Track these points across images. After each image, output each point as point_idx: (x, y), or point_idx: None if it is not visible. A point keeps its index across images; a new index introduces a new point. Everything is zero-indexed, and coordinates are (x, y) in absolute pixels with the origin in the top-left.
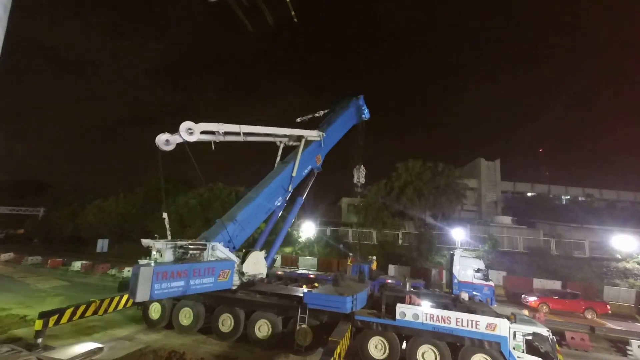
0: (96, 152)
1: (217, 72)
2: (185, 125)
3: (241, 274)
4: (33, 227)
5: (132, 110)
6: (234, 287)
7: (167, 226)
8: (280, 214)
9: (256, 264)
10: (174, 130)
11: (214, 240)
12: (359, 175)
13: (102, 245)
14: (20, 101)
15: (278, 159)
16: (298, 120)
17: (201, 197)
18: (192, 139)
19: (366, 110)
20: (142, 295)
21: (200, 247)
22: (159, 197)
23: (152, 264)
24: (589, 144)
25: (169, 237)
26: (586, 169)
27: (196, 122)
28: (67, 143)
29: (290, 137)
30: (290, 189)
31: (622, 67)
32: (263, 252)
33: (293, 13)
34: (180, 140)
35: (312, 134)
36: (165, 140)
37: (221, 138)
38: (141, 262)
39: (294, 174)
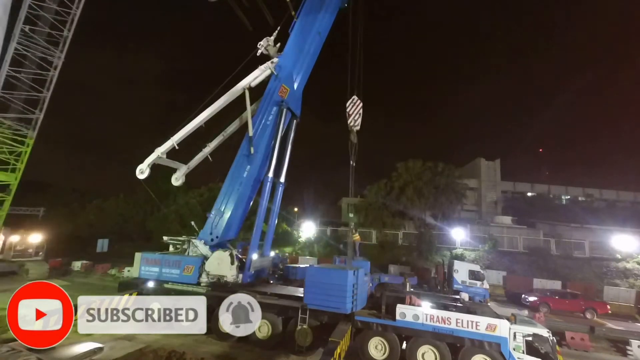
0: (96, 152)
1: (216, 72)
2: (137, 169)
3: (206, 272)
4: (33, 227)
5: (133, 111)
6: (201, 284)
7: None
8: (266, 206)
9: (220, 265)
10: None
11: (201, 234)
12: (354, 113)
13: (102, 245)
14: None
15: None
16: (259, 47)
17: (201, 197)
18: (144, 176)
19: None
20: (135, 273)
21: (177, 242)
22: (158, 197)
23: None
24: (589, 144)
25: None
26: (586, 169)
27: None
28: (68, 143)
29: (229, 100)
30: (253, 150)
31: (622, 66)
32: (227, 252)
33: (293, 13)
34: (148, 171)
35: (250, 79)
36: (139, 172)
37: (165, 161)
38: None
39: (250, 134)
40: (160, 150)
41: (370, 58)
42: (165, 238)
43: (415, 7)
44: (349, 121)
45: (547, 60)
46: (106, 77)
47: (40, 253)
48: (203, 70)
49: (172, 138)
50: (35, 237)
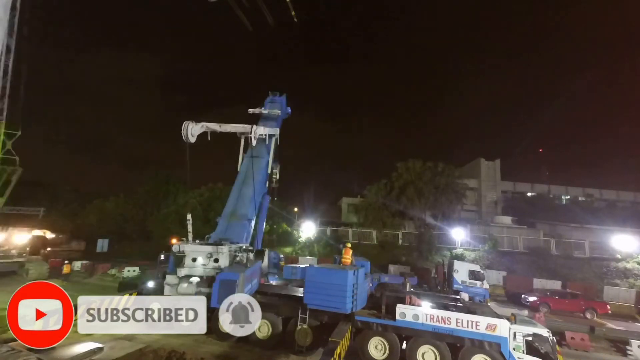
0: (97, 153)
1: (216, 72)
2: (189, 130)
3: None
4: (33, 227)
5: (133, 111)
6: None
7: (190, 228)
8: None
9: (268, 261)
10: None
11: (244, 241)
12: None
13: (102, 245)
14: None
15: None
16: (250, 111)
17: (201, 197)
18: (193, 140)
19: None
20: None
21: (258, 252)
22: (159, 197)
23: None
24: (589, 144)
25: (190, 239)
26: (586, 169)
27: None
28: (68, 143)
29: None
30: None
31: (622, 66)
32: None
33: (293, 13)
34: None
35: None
36: (191, 132)
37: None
38: (180, 271)
39: (269, 170)
40: (207, 125)
41: (371, 58)
42: (235, 246)
43: (415, 7)
44: None
45: (547, 60)
46: (106, 77)
47: (24, 254)
48: (203, 71)
49: (220, 124)
50: (21, 237)
